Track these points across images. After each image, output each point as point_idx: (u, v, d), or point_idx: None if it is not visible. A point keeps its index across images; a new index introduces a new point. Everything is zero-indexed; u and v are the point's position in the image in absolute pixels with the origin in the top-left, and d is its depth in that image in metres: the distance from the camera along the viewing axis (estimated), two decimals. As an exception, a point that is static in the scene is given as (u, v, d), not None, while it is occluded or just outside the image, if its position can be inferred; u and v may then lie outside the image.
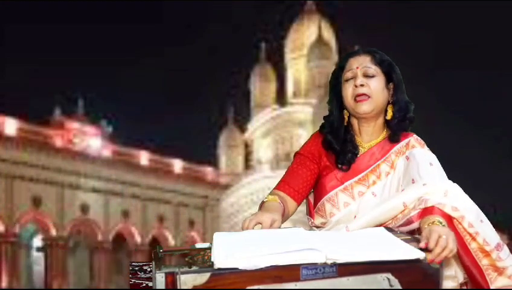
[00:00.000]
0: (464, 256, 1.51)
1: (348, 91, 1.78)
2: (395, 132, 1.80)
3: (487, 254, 1.51)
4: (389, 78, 1.79)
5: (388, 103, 1.80)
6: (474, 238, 1.51)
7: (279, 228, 1.59)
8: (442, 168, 1.73)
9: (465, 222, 1.51)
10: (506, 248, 1.58)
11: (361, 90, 1.75)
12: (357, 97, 1.76)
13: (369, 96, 1.75)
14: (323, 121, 1.92)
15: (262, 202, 1.74)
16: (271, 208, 1.68)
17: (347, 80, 1.78)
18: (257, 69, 42.37)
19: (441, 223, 1.46)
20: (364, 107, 1.75)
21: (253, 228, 1.53)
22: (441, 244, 1.35)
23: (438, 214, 1.50)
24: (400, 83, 1.81)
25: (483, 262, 1.51)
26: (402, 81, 1.82)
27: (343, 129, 1.82)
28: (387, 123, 1.82)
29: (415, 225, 1.55)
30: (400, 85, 1.81)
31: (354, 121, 1.84)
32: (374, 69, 1.76)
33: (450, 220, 1.50)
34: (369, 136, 1.83)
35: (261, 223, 1.55)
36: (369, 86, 1.75)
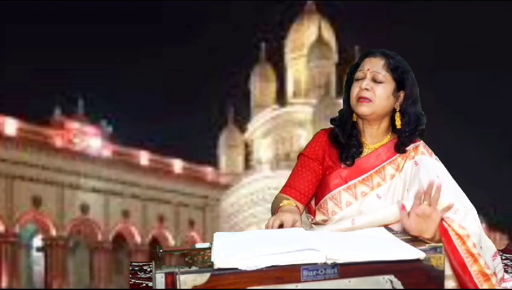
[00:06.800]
0: (464, 279, 1.48)
1: (354, 90, 1.79)
2: (403, 143, 1.79)
3: (488, 278, 1.50)
4: (400, 85, 1.77)
5: (395, 111, 1.80)
6: (476, 260, 1.50)
7: (301, 227, 1.60)
8: (450, 176, 1.72)
9: (469, 242, 1.50)
10: (499, 276, 1.58)
11: (363, 93, 1.76)
12: (359, 99, 1.77)
13: (370, 100, 1.75)
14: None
15: (278, 207, 1.74)
16: (291, 210, 1.69)
17: (357, 80, 1.79)
18: (257, 69, 42.30)
19: None
20: (363, 109, 1.77)
21: (278, 227, 1.55)
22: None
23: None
24: (412, 92, 1.78)
25: (484, 286, 1.49)
26: (415, 91, 1.79)
27: (350, 124, 1.84)
28: (395, 131, 1.82)
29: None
30: (412, 95, 1.78)
31: (360, 121, 1.85)
32: (383, 75, 1.75)
33: (450, 241, 1.50)
34: (372, 138, 1.84)
35: (283, 223, 1.57)
36: (373, 91, 1.75)
